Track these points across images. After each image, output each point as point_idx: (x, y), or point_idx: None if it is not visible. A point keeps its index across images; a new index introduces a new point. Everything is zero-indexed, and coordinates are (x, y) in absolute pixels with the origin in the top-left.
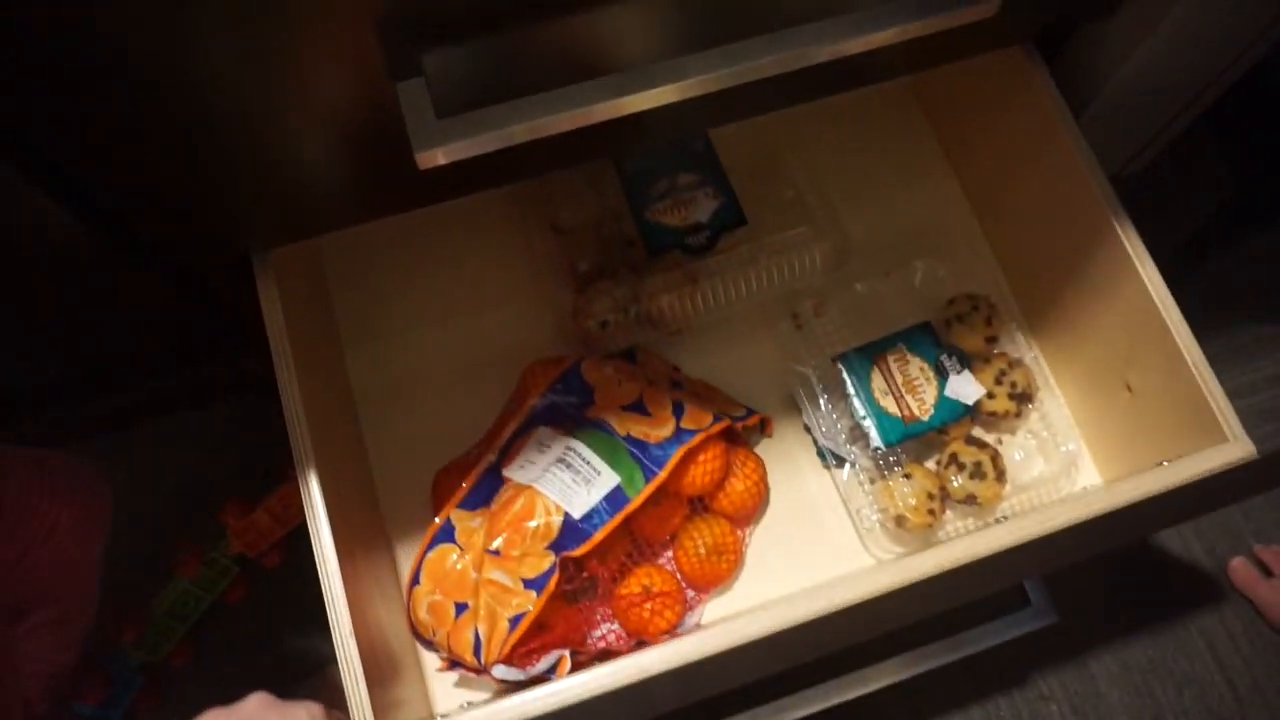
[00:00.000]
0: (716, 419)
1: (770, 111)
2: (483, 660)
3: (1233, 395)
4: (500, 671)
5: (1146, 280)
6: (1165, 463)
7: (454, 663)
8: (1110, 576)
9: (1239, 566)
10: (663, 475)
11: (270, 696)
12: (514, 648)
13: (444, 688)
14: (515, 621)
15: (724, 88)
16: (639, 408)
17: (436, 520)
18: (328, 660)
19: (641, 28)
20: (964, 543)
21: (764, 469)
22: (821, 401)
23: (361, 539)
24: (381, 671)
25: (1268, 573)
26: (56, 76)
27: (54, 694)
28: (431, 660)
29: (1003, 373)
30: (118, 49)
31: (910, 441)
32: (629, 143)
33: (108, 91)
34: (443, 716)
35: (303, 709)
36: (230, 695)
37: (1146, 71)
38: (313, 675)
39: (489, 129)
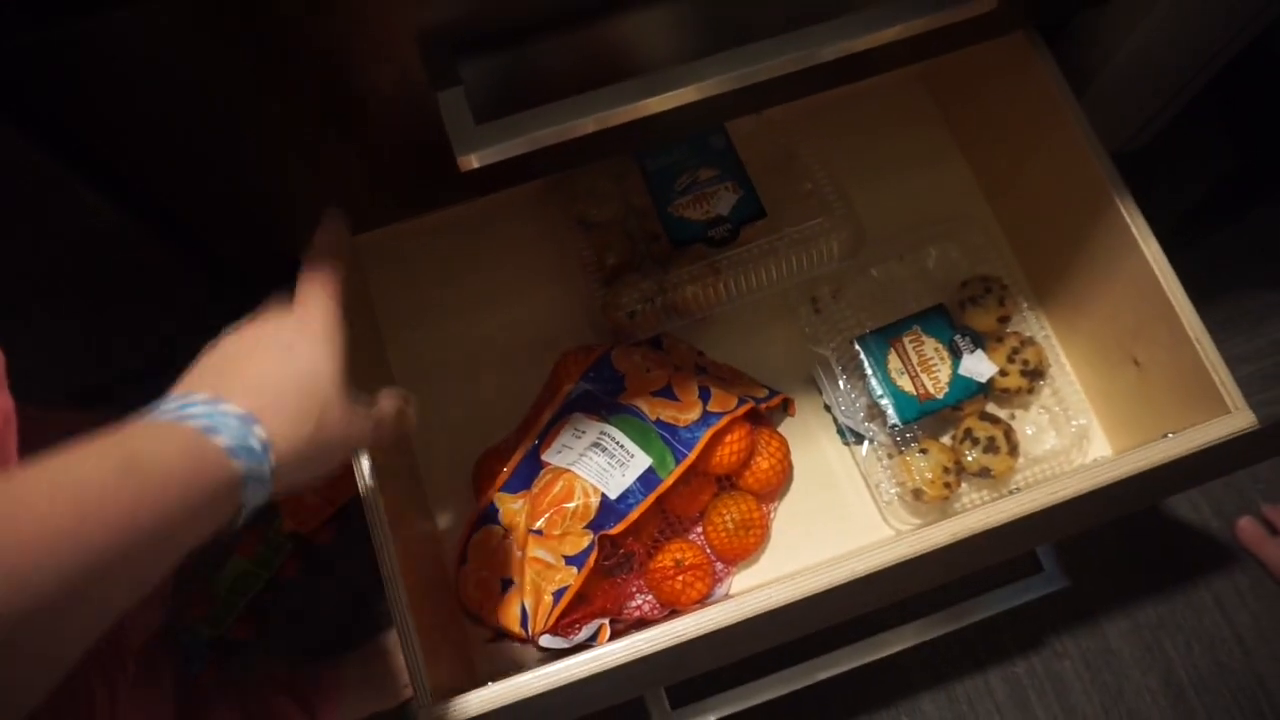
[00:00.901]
0: (741, 401)
1: (783, 103)
2: (529, 631)
3: (1241, 360)
4: (547, 641)
5: (1149, 257)
6: (1170, 434)
7: (500, 634)
8: (1121, 537)
9: (1246, 526)
10: (692, 456)
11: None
12: (558, 619)
13: (489, 658)
14: (558, 595)
15: (738, 87)
16: (668, 393)
17: (481, 504)
18: (379, 629)
19: (658, 33)
20: (977, 514)
21: (787, 447)
22: (841, 382)
23: (409, 519)
24: (434, 643)
25: (1274, 531)
26: (130, 99)
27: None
28: (477, 632)
29: (1015, 351)
30: (204, 85)
31: (926, 418)
32: (651, 139)
33: (190, 124)
34: (491, 683)
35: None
36: (291, 663)
37: (1149, 47)
38: (365, 644)
39: (524, 133)
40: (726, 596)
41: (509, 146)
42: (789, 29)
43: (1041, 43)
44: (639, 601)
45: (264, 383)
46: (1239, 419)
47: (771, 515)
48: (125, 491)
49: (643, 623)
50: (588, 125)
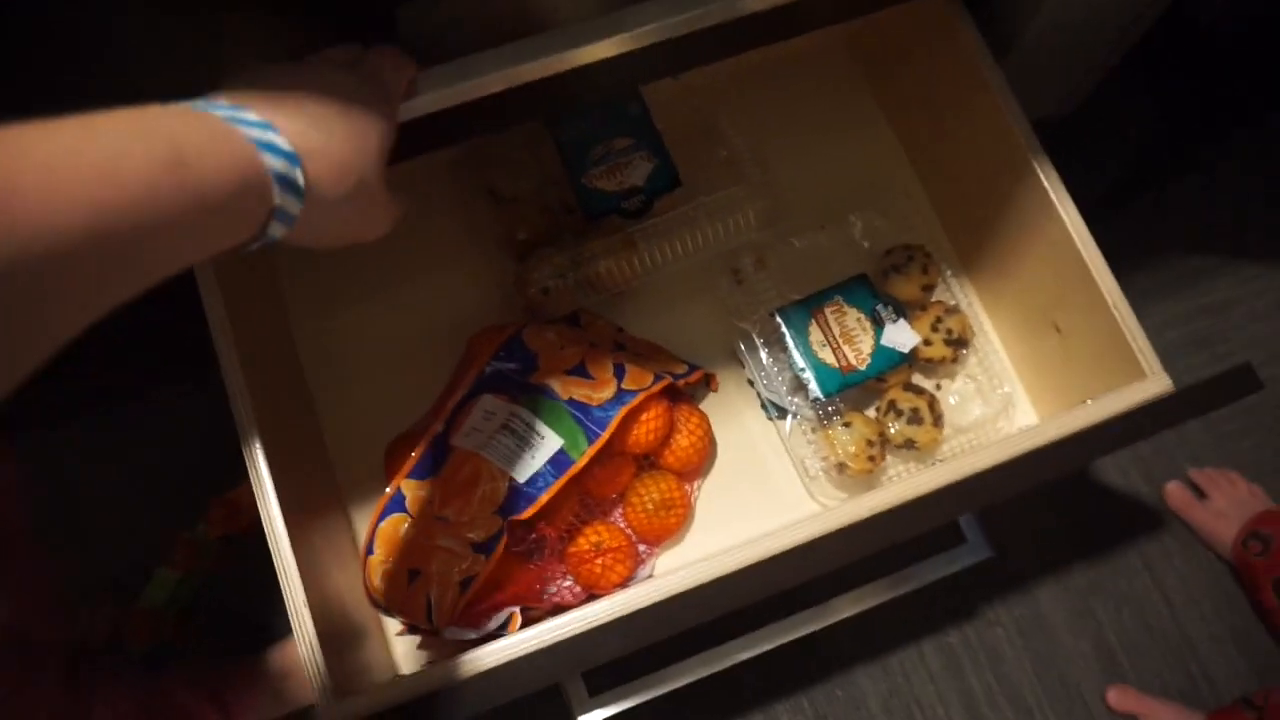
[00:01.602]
0: (657, 378)
1: (705, 64)
2: (434, 623)
3: (1169, 325)
4: (451, 633)
5: (1067, 222)
6: (1089, 401)
7: (412, 627)
8: (1051, 504)
9: (1174, 490)
10: (604, 436)
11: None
12: (465, 609)
13: (407, 650)
14: (466, 585)
15: (659, 40)
16: (581, 371)
17: (388, 490)
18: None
19: None
20: (896, 488)
21: (708, 424)
22: (763, 355)
23: (317, 511)
24: (342, 639)
25: (1202, 495)
26: None
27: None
28: (393, 625)
29: (939, 320)
30: None
31: (850, 390)
32: (565, 102)
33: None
34: (400, 676)
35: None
36: (220, 662)
37: (1068, 12)
38: (282, 640)
39: (425, 90)
40: (650, 579)
41: (411, 106)
42: None
43: (963, 8)
44: (557, 587)
45: (317, 126)
46: (1155, 383)
47: (694, 494)
48: (166, 188)
49: (561, 609)
50: (495, 84)
